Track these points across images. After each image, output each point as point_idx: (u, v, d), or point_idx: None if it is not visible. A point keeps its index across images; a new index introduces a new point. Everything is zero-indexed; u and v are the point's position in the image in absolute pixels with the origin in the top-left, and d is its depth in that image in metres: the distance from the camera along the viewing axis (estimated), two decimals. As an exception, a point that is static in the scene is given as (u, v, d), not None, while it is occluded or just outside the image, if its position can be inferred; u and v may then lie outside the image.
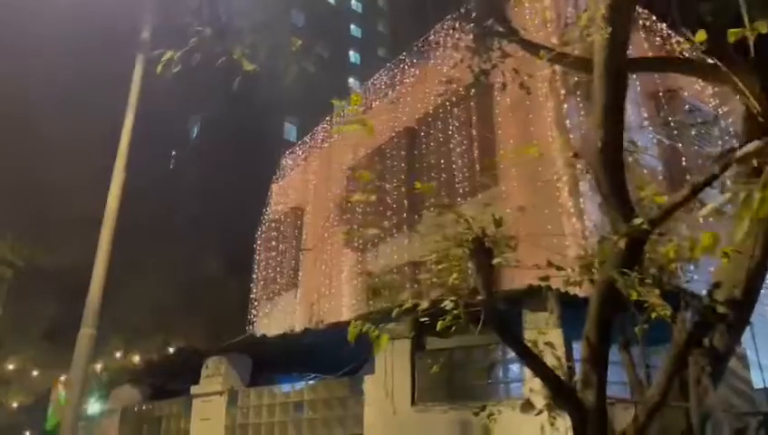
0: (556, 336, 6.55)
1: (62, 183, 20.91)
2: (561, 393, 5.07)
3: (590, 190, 10.49)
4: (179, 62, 7.22)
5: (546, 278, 6.79)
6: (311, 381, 7.80)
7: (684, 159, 12.01)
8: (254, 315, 18.48)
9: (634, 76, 11.53)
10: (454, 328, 5.31)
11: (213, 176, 39.04)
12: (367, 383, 7.05)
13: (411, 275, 12.65)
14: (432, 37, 14.89)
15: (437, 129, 12.88)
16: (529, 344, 7.31)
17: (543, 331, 6.45)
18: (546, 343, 6.07)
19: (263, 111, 46.26)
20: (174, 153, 51.41)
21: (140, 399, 10.28)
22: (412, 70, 15.04)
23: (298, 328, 15.77)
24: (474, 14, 10.15)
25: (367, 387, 7.03)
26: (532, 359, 5.14)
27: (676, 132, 12.29)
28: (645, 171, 11.53)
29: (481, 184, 11.67)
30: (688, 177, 12.03)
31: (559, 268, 7.03)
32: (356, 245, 14.46)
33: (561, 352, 6.57)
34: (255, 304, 18.50)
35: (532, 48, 9.70)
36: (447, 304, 5.27)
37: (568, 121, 10.79)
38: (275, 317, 17.42)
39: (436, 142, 12.86)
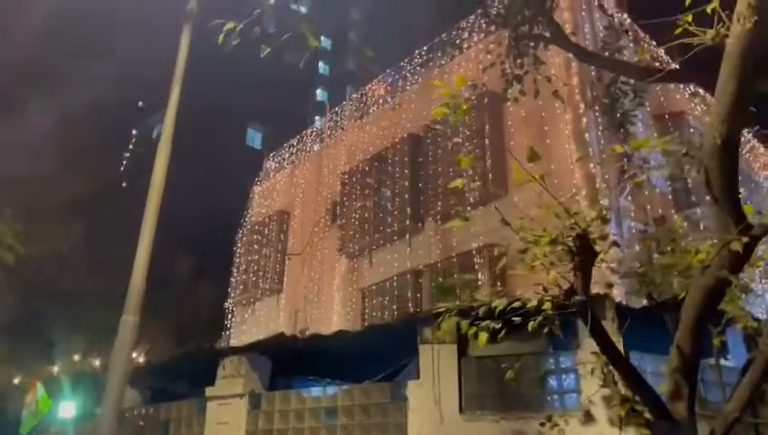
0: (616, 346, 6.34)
1: (25, 172, 19.73)
2: (651, 404, 4.86)
3: (610, 205, 10.46)
4: (239, 34, 6.80)
5: (610, 286, 6.55)
6: (344, 386, 7.34)
7: (689, 181, 12.17)
8: (231, 320, 17.76)
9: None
10: (546, 330, 5.05)
11: (176, 176, 37.90)
12: (411, 389, 6.65)
13: (414, 283, 12.35)
14: (435, 46, 14.77)
15: (447, 136, 12.67)
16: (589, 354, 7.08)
17: (603, 340, 6.24)
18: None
19: (227, 114, 45.39)
20: (128, 155, 49.87)
21: (140, 401, 9.52)
22: (415, 77, 14.85)
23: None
24: (507, 18, 10.03)
25: (411, 393, 6.63)
26: (626, 368, 4.91)
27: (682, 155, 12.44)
28: (656, 190, 11.64)
29: (494, 193, 11.52)
30: (693, 198, 12.21)
31: (625, 276, 6.82)
32: (351, 251, 14.04)
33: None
34: (233, 308, 17.78)
35: (586, 56, 9.62)
36: (545, 305, 5.01)
37: (587, 135, 10.77)
38: (255, 323, 16.78)
39: (444, 150, 12.65)
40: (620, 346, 6.62)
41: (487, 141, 11.83)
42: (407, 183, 13.18)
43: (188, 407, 8.56)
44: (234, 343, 17.11)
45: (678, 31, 5.26)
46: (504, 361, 6.67)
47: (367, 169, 14.34)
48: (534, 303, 5.12)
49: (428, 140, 13.10)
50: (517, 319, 5.00)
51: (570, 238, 4.75)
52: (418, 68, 14.81)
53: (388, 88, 15.55)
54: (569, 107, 11.10)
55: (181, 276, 25.27)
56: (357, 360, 7.32)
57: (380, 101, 15.59)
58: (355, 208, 14.24)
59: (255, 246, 17.38)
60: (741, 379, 5.30)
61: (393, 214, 13.24)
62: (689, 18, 5.73)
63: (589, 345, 6.65)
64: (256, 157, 49.99)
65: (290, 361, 7.76)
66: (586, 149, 10.65)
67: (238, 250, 18.24)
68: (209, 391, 7.98)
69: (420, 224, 12.86)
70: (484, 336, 4.73)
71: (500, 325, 4.81)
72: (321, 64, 56.08)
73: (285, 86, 49.51)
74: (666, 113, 12.67)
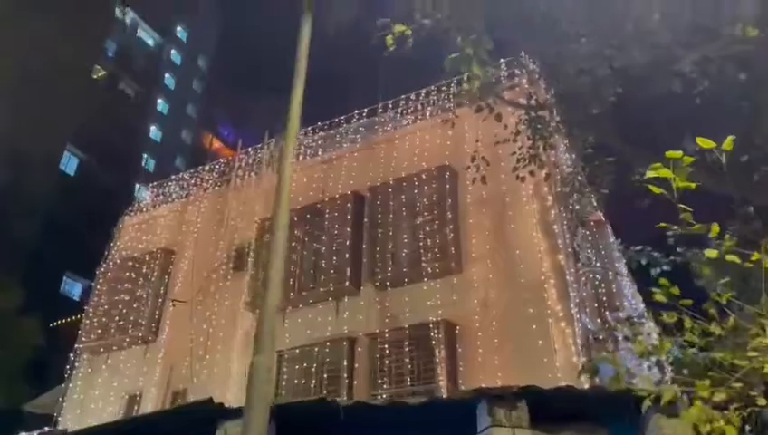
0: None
1: None
2: None
3: (578, 297, 10.68)
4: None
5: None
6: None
7: (614, 286, 13.04)
8: (74, 369, 14.73)
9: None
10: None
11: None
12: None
13: (349, 351, 11.32)
14: (381, 109, 14.49)
15: (401, 201, 12.22)
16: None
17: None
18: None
19: (46, 132, 40.30)
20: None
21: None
22: (355, 136, 14.33)
23: (153, 393, 12.98)
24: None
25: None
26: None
27: (606, 261, 13.38)
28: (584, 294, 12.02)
29: (450, 268, 11.23)
30: (617, 303, 13.03)
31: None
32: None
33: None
34: (80, 355, 14.81)
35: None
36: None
37: (555, 227, 11.04)
38: (111, 376, 14.10)
39: (396, 215, 12.15)
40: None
41: (449, 214, 11.61)
42: (347, 242, 12.35)
43: (164, 482, 6.53)
44: (79, 397, 14.18)
45: None
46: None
47: (295, 219, 13.21)
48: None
49: (378, 202, 12.51)
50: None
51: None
52: (361, 128, 14.33)
53: (321, 141, 14.75)
54: (536, 197, 11.38)
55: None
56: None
57: (309, 152, 14.71)
58: (277, 260, 12.91)
59: (126, 285, 14.87)
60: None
61: (328, 273, 12.23)
62: None
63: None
64: (69, 184, 44.64)
65: (298, 430, 6.38)
66: (554, 240, 10.89)
67: (98, 287, 15.46)
68: (204, 464, 6.16)
69: (358, 288, 12.02)
70: (733, 431, 4.19)
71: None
72: (160, 101, 52.59)
73: (115, 116, 45.50)
74: (591, 219, 13.58)
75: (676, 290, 4.50)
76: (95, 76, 48.35)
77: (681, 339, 4.76)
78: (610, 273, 13.01)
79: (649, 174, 4.63)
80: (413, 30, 5.93)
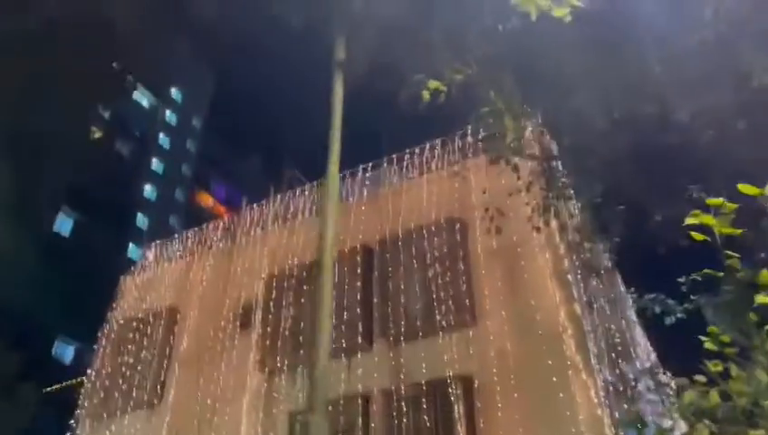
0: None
1: None
2: None
3: (596, 347, 10.54)
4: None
5: None
6: None
7: (628, 335, 12.88)
8: (76, 436, 14.25)
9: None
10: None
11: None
12: None
13: (364, 409, 11.03)
14: (387, 162, 14.60)
15: (410, 254, 12.17)
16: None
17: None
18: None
19: (37, 189, 40.25)
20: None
21: None
22: (362, 189, 14.37)
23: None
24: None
25: None
26: None
27: (620, 310, 13.26)
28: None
29: (469, 320, 11.09)
30: (632, 352, 12.86)
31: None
32: (279, 366, 12.33)
33: None
34: (81, 421, 14.35)
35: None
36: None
37: (569, 276, 10.99)
38: (117, 443, 13.64)
39: (407, 269, 12.07)
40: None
41: (461, 266, 11.55)
42: (358, 297, 12.22)
43: None
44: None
45: None
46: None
47: (304, 274, 13.10)
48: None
49: (388, 255, 12.45)
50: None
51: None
52: (368, 182, 14.39)
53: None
54: (548, 247, 11.36)
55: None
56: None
57: (315, 208, 14.70)
58: (286, 317, 12.75)
59: (130, 346, 14.56)
60: None
61: (339, 328, 12.01)
62: None
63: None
64: (63, 245, 44.27)
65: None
66: (569, 290, 10.81)
67: (100, 350, 15.13)
68: None
69: (371, 344, 11.83)
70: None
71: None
72: (155, 161, 52.81)
73: (110, 176, 45.59)
74: (602, 268, 13.53)
75: (726, 338, 4.42)
76: (91, 137, 48.73)
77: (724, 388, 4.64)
78: (623, 321, 12.88)
79: (689, 221, 4.60)
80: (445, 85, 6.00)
